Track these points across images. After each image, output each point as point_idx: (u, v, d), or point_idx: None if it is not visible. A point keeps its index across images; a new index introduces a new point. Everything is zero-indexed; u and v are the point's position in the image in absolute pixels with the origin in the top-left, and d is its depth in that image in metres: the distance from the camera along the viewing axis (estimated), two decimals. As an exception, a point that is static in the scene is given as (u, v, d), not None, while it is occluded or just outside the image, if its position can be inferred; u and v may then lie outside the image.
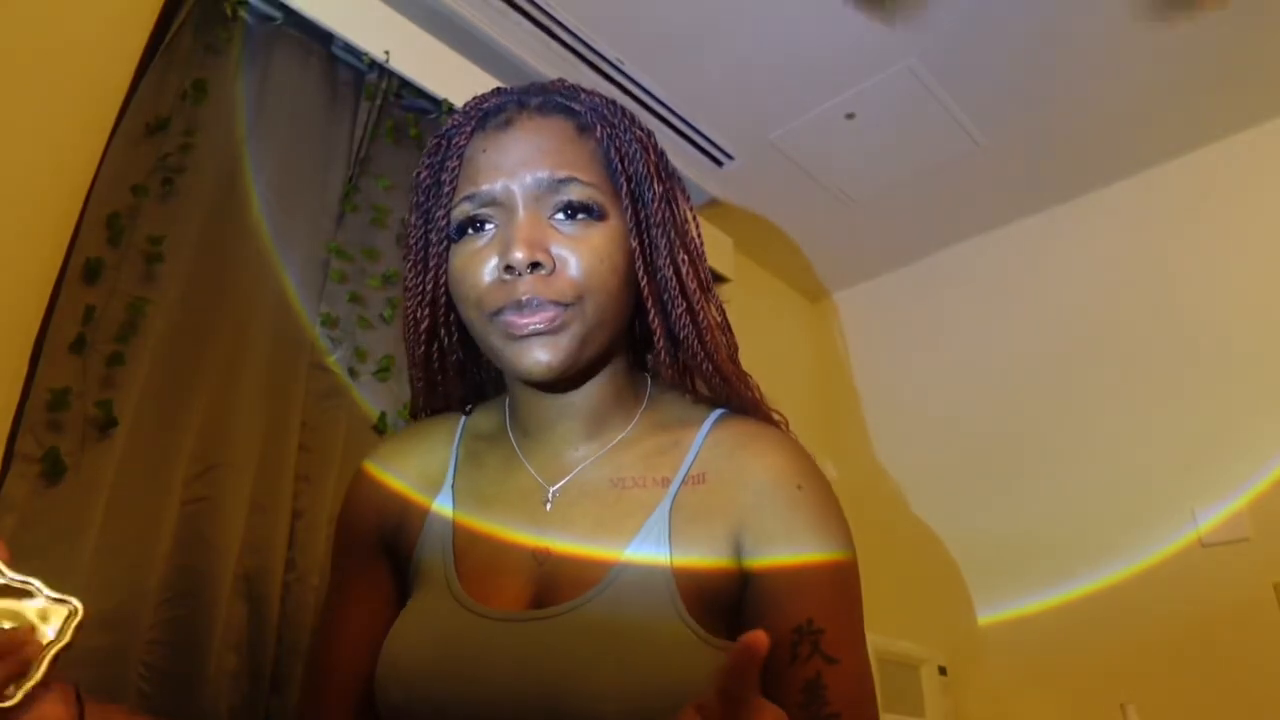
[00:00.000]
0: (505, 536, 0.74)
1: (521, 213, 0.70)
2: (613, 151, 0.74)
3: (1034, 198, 2.52)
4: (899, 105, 2.14)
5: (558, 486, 0.75)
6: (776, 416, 0.79)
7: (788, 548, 0.69)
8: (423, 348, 0.78)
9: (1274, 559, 1.92)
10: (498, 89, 0.78)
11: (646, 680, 0.63)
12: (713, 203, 2.45)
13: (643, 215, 0.74)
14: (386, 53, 1.65)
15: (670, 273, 0.75)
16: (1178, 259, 2.27)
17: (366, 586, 0.79)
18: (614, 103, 0.78)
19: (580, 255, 0.70)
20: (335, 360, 1.46)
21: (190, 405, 1.27)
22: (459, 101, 1.72)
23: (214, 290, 1.35)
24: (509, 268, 0.68)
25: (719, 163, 2.35)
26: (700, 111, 2.20)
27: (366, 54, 1.64)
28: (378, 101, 1.65)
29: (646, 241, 0.74)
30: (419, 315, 0.77)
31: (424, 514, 0.78)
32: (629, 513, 0.72)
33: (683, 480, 0.73)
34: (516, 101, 0.76)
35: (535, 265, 0.68)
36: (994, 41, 1.98)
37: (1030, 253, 2.55)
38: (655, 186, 0.75)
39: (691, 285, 0.76)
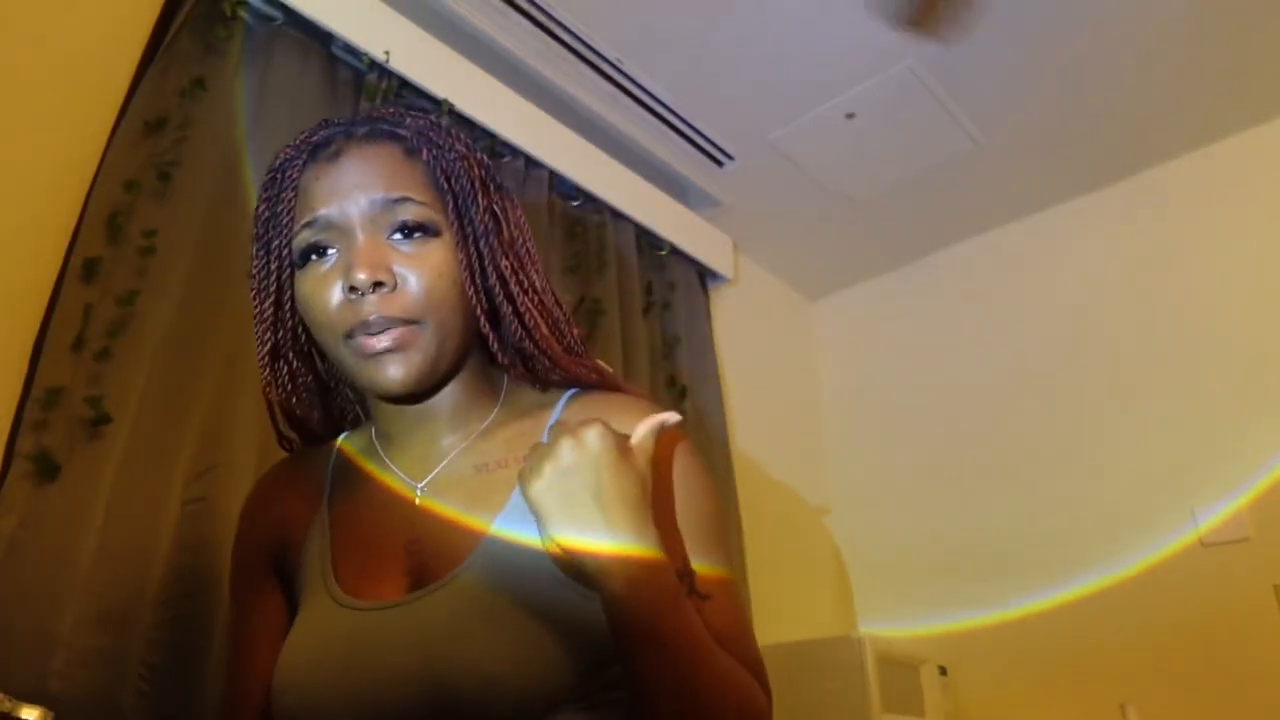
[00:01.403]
0: (379, 536, 0.77)
1: (360, 235, 0.73)
2: (438, 170, 0.77)
3: (1034, 198, 2.52)
4: (899, 105, 2.14)
5: (425, 481, 0.78)
6: (633, 390, 0.83)
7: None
8: (267, 371, 0.80)
9: (1274, 559, 1.92)
10: (324, 121, 0.81)
11: (527, 637, 0.66)
12: (713, 203, 2.45)
13: (468, 229, 0.77)
14: (386, 53, 1.65)
15: (495, 280, 0.78)
16: (1177, 259, 2.27)
17: (265, 617, 0.80)
18: (438, 124, 0.82)
19: (420, 273, 0.73)
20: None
21: (190, 405, 1.27)
22: (459, 102, 1.75)
23: (214, 290, 1.35)
24: (352, 289, 0.71)
25: (719, 163, 2.36)
26: (700, 111, 2.20)
27: (366, 54, 1.64)
28: (378, 101, 1.65)
29: (474, 253, 0.77)
30: (263, 340, 0.79)
31: (304, 536, 0.81)
32: (495, 490, 0.74)
33: None
34: (344, 132, 0.78)
35: (378, 285, 0.71)
36: (994, 41, 1.98)
37: (1030, 253, 2.55)
38: (480, 200, 0.78)
39: (515, 288, 0.78)
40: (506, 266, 0.78)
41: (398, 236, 0.74)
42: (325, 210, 0.74)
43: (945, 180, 2.42)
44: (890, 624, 2.21)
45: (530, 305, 0.79)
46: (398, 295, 0.72)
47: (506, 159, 1.89)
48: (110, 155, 1.28)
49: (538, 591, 0.68)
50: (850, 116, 2.19)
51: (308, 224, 0.74)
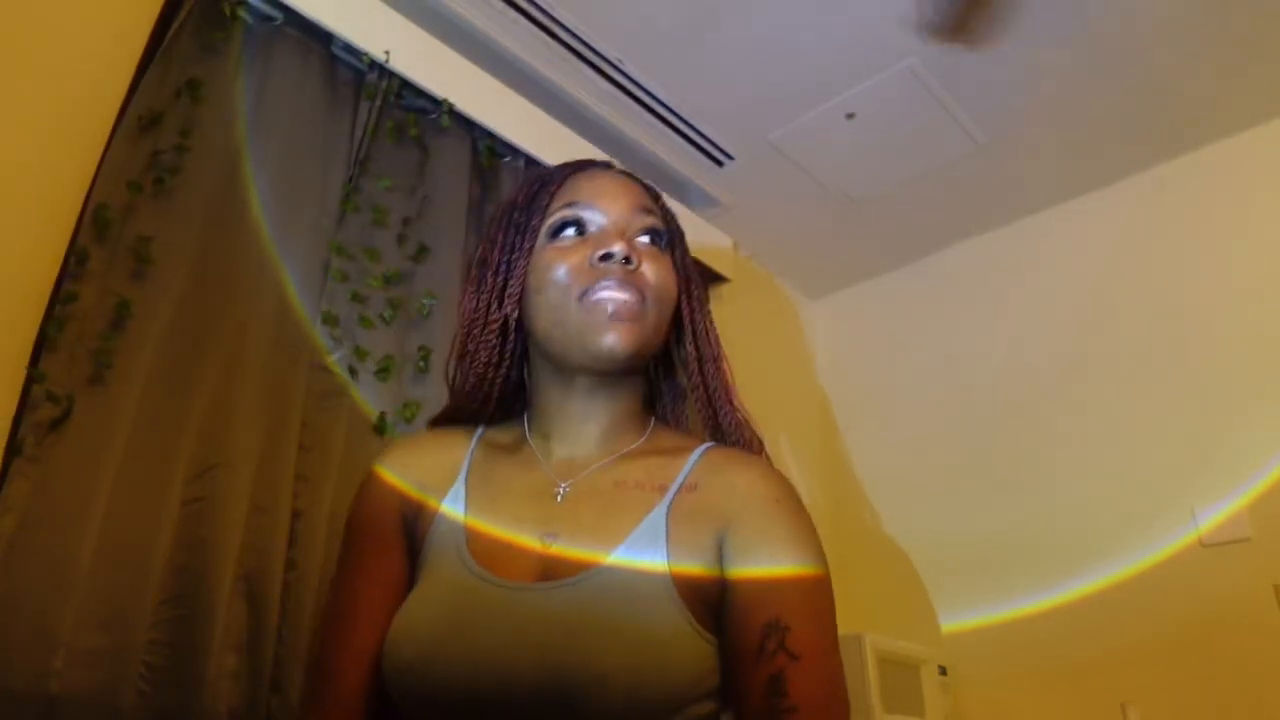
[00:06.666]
0: (515, 522, 0.81)
1: (617, 221, 0.86)
2: (667, 214, 0.94)
3: (1034, 198, 2.52)
4: (899, 105, 2.14)
5: (568, 483, 0.84)
6: (766, 454, 0.91)
7: (763, 552, 0.76)
8: (484, 352, 0.87)
9: (1274, 559, 1.92)
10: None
11: (641, 651, 0.69)
12: (713, 203, 2.45)
13: (679, 268, 0.91)
14: (386, 53, 1.65)
15: (699, 323, 0.92)
16: (1177, 259, 2.27)
17: (383, 566, 0.83)
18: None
19: (655, 268, 0.86)
20: (336, 360, 1.46)
21: (189, 405, 1.27)
22: (459, 102, 1.75)
23: (214, 290, 1.35)
24: (606, 255, 0.82)
25: (719, 163, 2.36)
26: (700, 111, 2.20)
27: (366, 54, 1.64)
28: (377, 102, 1.65)
29: (684, 290, 0.91)
30: (490, 317, 0.87)
31: (436, 509, 0.84)
32: (631, 509, 0.80)
33: (679, 488, 0.82)
34: (602, 166, 0.94)
35: (627, 260, 0.82)
36: (994, 41, 1.98)
37: (1030, 253, 2.55)
38: (688, 258, 0.94)
39: (708, 335, 0.93)
40: (700, 320, 0.93)
41: (644, 239, 0.87)
42: (589, 199, 0.87)
43: (945, 180, 2.42)
44: (890, 623, 2.21)
45: (718, 354, 0.92)
46: (638, 274, 0.83)
47: (507, 159, 1.89)
48: (109, 155, 1.28)
49: (656, 612, 0.72)
50: (850, 116, 2.19)
51: (569, 204, 0.87)
